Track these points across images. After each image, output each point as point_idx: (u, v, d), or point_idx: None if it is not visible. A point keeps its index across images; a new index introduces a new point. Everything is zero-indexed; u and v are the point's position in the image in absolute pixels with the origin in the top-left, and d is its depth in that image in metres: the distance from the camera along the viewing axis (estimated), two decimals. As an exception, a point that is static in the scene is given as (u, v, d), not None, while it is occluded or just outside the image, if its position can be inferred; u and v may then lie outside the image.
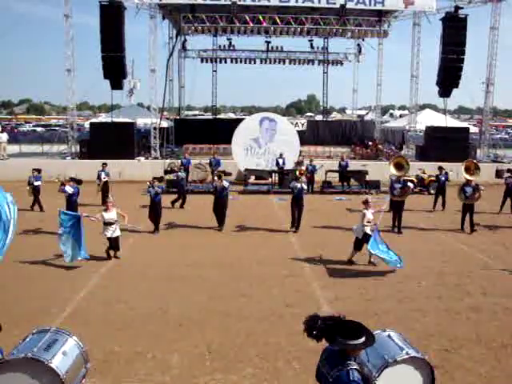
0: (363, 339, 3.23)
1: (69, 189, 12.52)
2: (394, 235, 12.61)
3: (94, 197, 15.76)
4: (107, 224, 9.90)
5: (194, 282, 8.88)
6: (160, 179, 13.32)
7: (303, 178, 14.65)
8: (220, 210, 13.09)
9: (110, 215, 9.96)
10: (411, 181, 19.77)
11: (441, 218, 15.09)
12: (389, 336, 4.52)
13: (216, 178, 13.40)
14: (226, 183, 13.19)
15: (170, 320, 7.14)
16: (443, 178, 16.66)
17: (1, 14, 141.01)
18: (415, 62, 25.79)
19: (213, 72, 35.31)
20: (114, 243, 10.11)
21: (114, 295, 8.15)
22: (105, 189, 16.27)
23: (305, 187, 13.61)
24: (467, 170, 14.00)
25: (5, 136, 25.05)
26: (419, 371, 4.33)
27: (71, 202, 12.62)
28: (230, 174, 21.56)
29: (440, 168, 17.13)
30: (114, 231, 9.98)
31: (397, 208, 13.29)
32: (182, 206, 15.87)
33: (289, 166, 20.71)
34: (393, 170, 14.22)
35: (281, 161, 20.50)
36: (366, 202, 9.99)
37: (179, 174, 16.44)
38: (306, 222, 13.54)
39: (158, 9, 24.75)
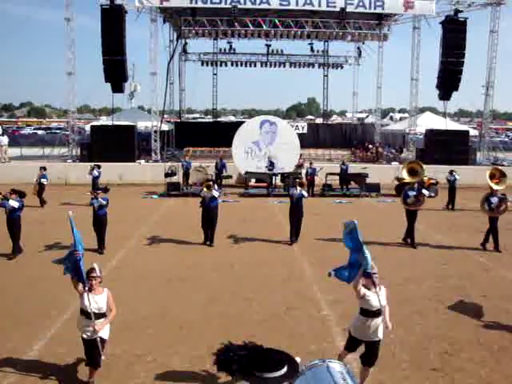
0: (284, 371, 2.65)
1: (13, 203, 10.37)
2: (405, 248, 11.80)
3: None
4: (86, 315, 5.40)
5: (194, 285, 8.88)
6: (105, 190, 11.54)
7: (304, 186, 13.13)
8: (209, 223, 11.73)
9: (98, 300, 5.54)
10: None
11: (440, 221, 15.09)
12: (327, 368, 3.56)
13: (204, 188, 11.64)
14: (215, 193, 11.71)
15: (170, 323, 7.14)
16: (452, 178, 17.40)
17: (2, 17, 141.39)
18: (415, 65, 25.87)
19: (213, 75, 35.44)
20: (93, 350, 5.35)
21: (114, 298, 8.13)
22: (41, 192, 16.42)
23: (305, 194, 12.33)
24: (492, 177, 12.20)
25: (5, 139, 25.12)
26: None
27: (13, 219, 10.48)
28: (230, 177, 21.68)
29: (451, 171, 17.82)
30: (94, 331, 5.33)
31: (411, 218, 11.92)
32: None
33: (288, 168, 20.73)
34: (406, 176, 12.87)
35: (269, 163, 20.52)
36: (367, 276, 5.66)
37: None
38: (306, 225, 13.52)
39: (159, 12, 24.84)
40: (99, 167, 17.97)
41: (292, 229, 12.24)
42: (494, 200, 11.51)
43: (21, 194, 10.70)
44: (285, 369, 2.59)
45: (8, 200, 10.31)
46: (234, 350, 2.62)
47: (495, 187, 11.89)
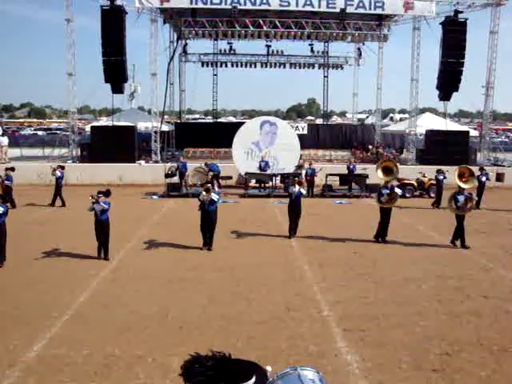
0: (253, 381, 2.54)
1: None
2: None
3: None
4: None
5: (194, 286, 8.88)
6: (107, 193, 10.61)
7: (303, 184, 13.80)
8: (208, 228, 11.47)
9: None
10: (411, 184, 19.92)
11: (440, 221, 15.07)
12: (299, 376, 3.38)
13: (203, 191, 11.36)
14: (215, 196, 11.39)
15: (170, 323, 7.14)
16: (484, 179, 17.47)
17: (2, 18, 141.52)
18: (415, 65, 25.81)
19: (213, 76, 35.42)
20: None
21: (114, 299, 8.15)
22: (8, 192, 15.79)
23: (303, 192, 12.92)
24: (461, 176, 12.40)
25: (6, 140, 25.13)
26: None
27: None
28: (230, 178, 21.68)
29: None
30: None
31: (385, 215, 12.35)
32: None
33: (289, 169, 20.73)
34: (380, 175, 12.99)
35: (263, 164, 20.51)
36: None
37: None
38: (306, 226, 13.54)
39: (159, 13, 24.81)
40: (63, 168, 17.58)
41: (291, 224, 12.79)
42: (461, 198, 11.80)
43: (4, 199, 9.96)
44: (253, 379, 2.51)
45: None
46: (200, 360, 2.53)
47: (463, 186, 12.13)
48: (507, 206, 17.33)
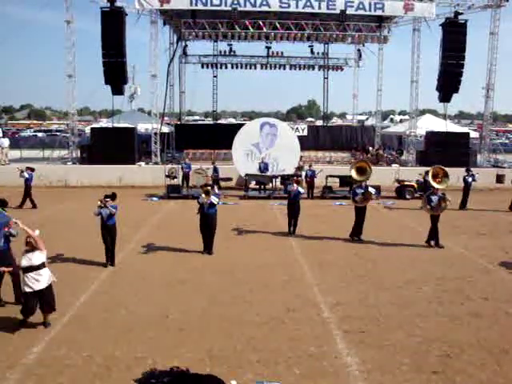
0: None
1: None
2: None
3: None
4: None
5: (194, 287, 8.87)
6: (113, 197, 10.05)
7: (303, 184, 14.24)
8: (208, 231, 11.22)
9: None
10: (411, 186, 19.91)
11: (440, 223, 15.03)
12: None
13: (203, 194, 11.14)
14: (214, 199, 11.13)
15: (170, 325, 7.13)
16: (470, 179, 17.68)
17: (2, 20, 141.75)
18: (415, 67, 25.84)
19: (213, 77, 35.51)
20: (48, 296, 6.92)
21: (114, 300, 8.14)
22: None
23: (301, 191, 13.33)
24: (435, 177, 12.51)
25: (6, 141, 25.14)
26: None
27: None
28: (230, 180, 21.68)
29: (467, 170, 18.14)
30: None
31: (359, 214, 12.68)
32: None
33: (289, 171, 20.72)
34: (354, 175, 13.23)
35: (263, 165, 20.54)
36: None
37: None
38: (306, 227, 13.54)
39: (159, 15, 24.85)
40: (32, 170, 17.39)
41: (290, 222, 13.22)
42: (435, 199, 11.91)
43: (2, 204, 8.79)
44: None
45: None
46: (156, 376, 2.48)
47: (437, 186, 12.26)
48: (506, 207, 17.32)
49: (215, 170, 20.99)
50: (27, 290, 6.71)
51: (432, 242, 12.07)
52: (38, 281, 6.73)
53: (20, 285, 7.35)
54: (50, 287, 6.93)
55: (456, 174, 18.04)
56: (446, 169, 12.65)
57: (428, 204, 12.02)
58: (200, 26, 25.05)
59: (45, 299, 6.84)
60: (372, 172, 13.47)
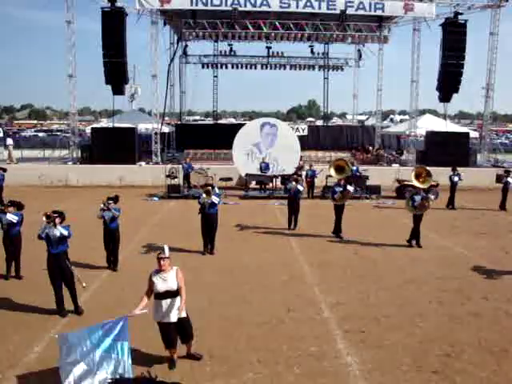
0: None
1: (11, 217, 9.01)
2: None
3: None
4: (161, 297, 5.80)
5: (194, 287, 8.85)
6: (116, 199, 9.78)
7: (301, 182, 14.60)
8: (209, 231, 11.26)
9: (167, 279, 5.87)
10: (412, 186, 19.89)
11: (440, 223, 15.08)
12: None
13: (203, 194, 11.10)
14: (215, 198, 11.08)
15: (171, 325, 7.12)
16: (456, 179, 17.74)
17: (3, 20, 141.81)
18: (415, 67, 25.86)
19: (214, 77, 35.55)
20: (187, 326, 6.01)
21: (115, 300, 8.15)
22: None
23: (301, 188, 13.84)
24: (418, 176, 12.55)
25: (10, 140, 25.22)
26: None
27: (13, 235, 9.07)
28: (230, 179, 21.68)
29: (453, 169, 18.01)
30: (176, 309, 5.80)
31: (338, 212, 13.04)
32: None
33: (289, 170, 20.73)
34: (333, 173, 13.53)
35: (263, 165, 20.54)
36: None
37: None
38: (306, 227, 13.56)
39: (160, 15, 24.87)
40: (4, 170, 17.33)
41: (290, 218, 13.77)
42: (418, 198, 11.92)
43: (19, 206, 9.16)
44: None
45: (5, 214, 8.96)
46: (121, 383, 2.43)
47: (419, 186, 12.28)
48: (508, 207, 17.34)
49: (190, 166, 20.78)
50: None
51: (413, 242, 12.15)
52: None
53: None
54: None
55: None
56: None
57: (411, 204, 12.07)
58: (200, 26, 25.05)
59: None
60: (350, 170, 13.95)
